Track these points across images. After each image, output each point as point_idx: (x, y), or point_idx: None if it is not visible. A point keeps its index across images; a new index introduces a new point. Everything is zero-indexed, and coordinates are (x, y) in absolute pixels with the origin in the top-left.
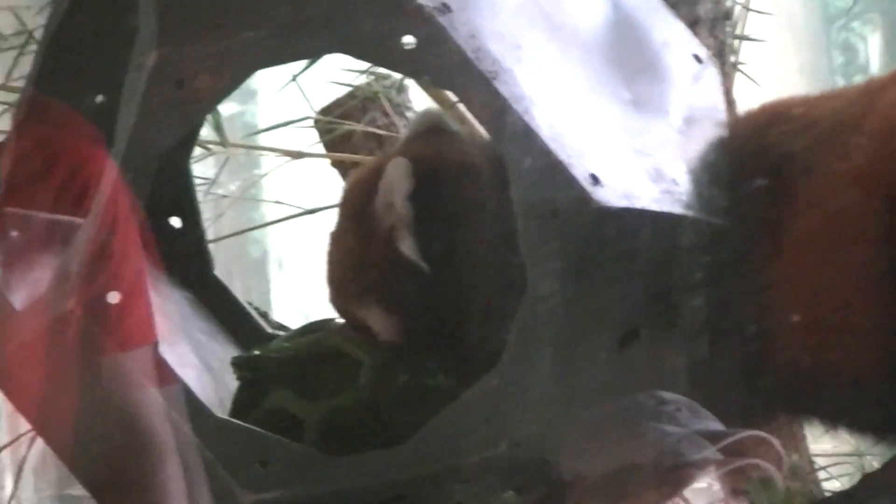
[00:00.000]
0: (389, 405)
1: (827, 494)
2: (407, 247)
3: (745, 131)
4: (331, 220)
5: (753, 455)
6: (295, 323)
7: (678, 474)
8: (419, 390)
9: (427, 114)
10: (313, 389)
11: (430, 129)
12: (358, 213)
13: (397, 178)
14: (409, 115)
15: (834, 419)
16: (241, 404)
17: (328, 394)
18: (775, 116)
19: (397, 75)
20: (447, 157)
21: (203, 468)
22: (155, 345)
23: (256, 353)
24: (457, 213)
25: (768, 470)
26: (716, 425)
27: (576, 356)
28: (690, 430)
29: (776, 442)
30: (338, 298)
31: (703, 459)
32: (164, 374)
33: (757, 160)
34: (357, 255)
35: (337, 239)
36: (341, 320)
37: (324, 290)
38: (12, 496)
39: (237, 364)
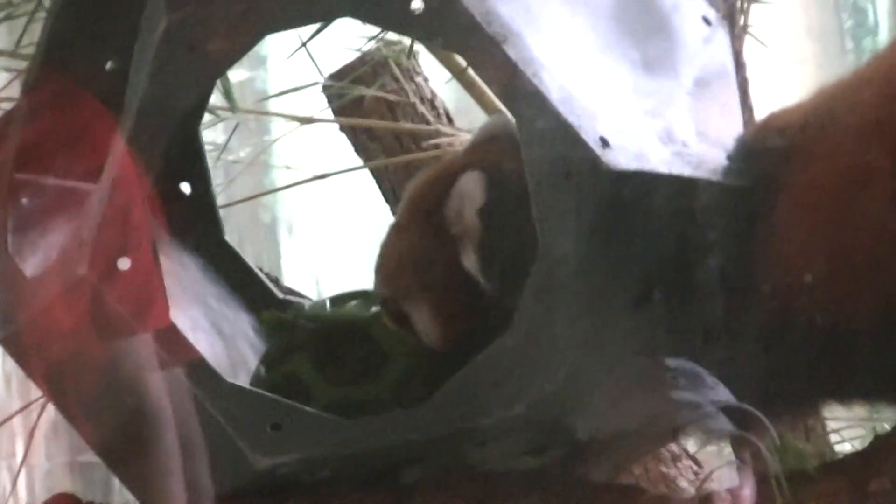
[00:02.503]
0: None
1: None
2: (470, 262)
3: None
4: (342, 186)
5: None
6: (305, 288)
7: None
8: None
9: (499, 120)
10: (334, 369)
11: (503, 136)
12: (427, 212)
13: (471, 189)
14: (418, 80)
15: (851, 385)
16: (272, 359)
17: (346, 379)
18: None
19: (407, 40)
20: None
21: (203, 441)
22: (169, 321)
23: (287, 316)
24: (526, 236)
25: (766, 437)
26: (721, 393)
27: (590, 317)
28: (707, 398)
29: (765, 420)
30: (386, 288)
31: (719, 430)
32: (178, 345)
33: (771, 120)
34: (420, 253)
35: (400, 230)
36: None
37: (333, 255)
38: (23, 462)
39: (269, 322)
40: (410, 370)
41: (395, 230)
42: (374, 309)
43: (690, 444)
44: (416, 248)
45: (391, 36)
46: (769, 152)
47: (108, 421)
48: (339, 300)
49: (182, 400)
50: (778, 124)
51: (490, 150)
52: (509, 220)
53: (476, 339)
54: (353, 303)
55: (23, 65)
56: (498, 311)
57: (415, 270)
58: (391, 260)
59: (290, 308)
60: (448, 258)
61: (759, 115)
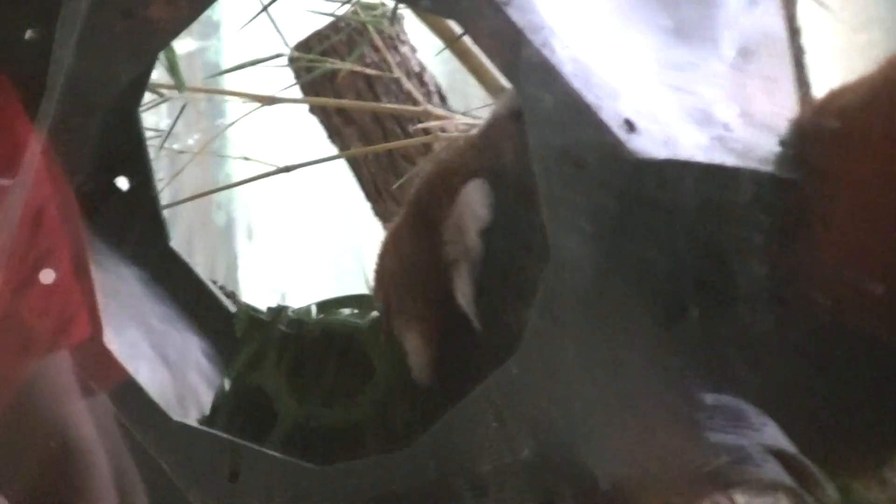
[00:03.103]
0: (378, 438)
1: None
2: (463, 295)
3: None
4: (311, 180)
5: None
6: (267, 303)
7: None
8: (417, 429)
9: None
10: (309, 383)
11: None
12: (425, 221)
13: (474, 205)
14: (403, 50)
15: None
16: (240, 370)
17: (322, 395)
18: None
19: (390, 2)
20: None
21: (142, 487)
22: (98, 337)
23: (264, 316)
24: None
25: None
26: (769, 435)
27: (610, 337)
28: (756, 442)
29: (811, 467)
30: (381, 299)
31: (772, 481)
32: (109, 370)
33: (833, 99)
34: (410, 269)
35: (397, 233)
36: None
37: (302, 265)
38: None
39: (243, 323)
40: (396, 391)
41: (393, 230)
42: (372, 315)
43: (739, 497)
44: (406, 262)
45: None
46: (825, 136)
47: (19, 467)
48: (326, 305)
49: (116, 441)
50: (840, 104)
51: (507, 139)
52: (515, 242)
53: (468, 374)
54: (346, 311)
55: None
56: (489, 343)
57: (404, 288)
58: (384, 268)
59: (269, 311)
60: (438, 284)
61: (818, 90)
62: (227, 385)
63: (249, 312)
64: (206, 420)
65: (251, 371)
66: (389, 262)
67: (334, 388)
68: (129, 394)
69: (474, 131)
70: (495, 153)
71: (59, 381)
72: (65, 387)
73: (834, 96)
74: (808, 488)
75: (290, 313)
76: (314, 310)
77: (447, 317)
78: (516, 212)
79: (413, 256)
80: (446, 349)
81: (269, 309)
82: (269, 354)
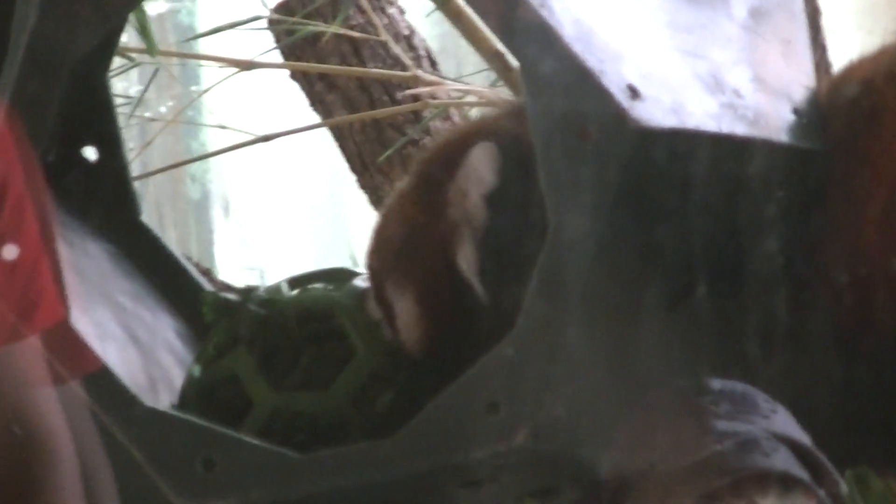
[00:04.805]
0: (361, 423)
1: None
2: (465, 260)
3: None
4: (292, 150)
5: None
6: (244, 282)
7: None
8: (402, 416)
9: None
10: (284, 367)
11: None
12: (430, 184)
13: (479, 168)
14: (391, 11)
15: None
16: (210, 356)
17: (298, 380)
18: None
19: None
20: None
21: (111, 476)
22: (67, 323)
23: (234, 299)
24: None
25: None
26: (779, 423)
27: (613, 318)
28: (765, 429)
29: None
30: (375, 262)
31: (783, 473)
32: (79, 356)
33: (854, 69)
34: (410, 235)
35: (402, 196)
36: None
37: (282, 241)
38: None
39: (212, 306)
40: (377, 374)
41: (398, 192)
42: (348, 290)
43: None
44: (408, 224)
45: None
46: (849, 107)
47: None
48: (299, 282)
49: (83, 427)
50: (862, 74)
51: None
52: (523, 212)
53: (465, 348)
54: (317, 286)
55: None
56: (495, 317)
57: (402, 250)
58: (385, 229)
59: (238, 291)
60: (442, 246)
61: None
62: (196, 372)
63: (216, 295)
64: (178, 407)
65: (222, 356)
66: (389, 221)
67: (311, 371)
68: (96, 377)
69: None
70: (508, 121)
71: (21, 367)
72: (28, 373)
73: (856, 67)
74: (821, 482)
75: (260, 292)
76: (285, 287)
77: (448, 293)
78: (535, 183)
79: (416, 219)
80: (446, 330)
81: (239, 289)
82: (241, 338)
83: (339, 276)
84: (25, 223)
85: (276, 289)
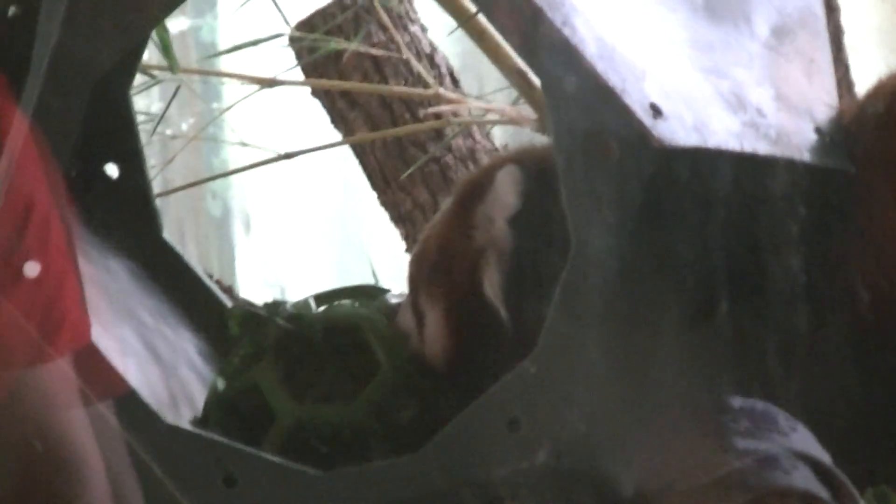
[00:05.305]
0: (384, 437)
1: None
2: (491, 285)
3: None
4: (313, 168)
5: None
6: (265, 298)
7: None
8: (425, 430)
9: None
10: (307, 380)
11: None
12: (462, 208)
13: (504, 192)
14: (413, 29)
15: None
16: (234, 369)
17: (321, 393)
18: None
19: None
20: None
21: (140, 498)
22: (94, 346)
23: (260, 311)
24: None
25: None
26: (798, 440)
27: (635, 335)
28: (785, 447)
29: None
30: (414, 270)
31: (806, 492)
32: (106, 379)
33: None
34: (444, 254)
35: (441, 217)
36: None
37: (302, 258)
38: None
39: (238, 319)
40: (400, 389)
41: (441, 212)
42: (377, 305)
43: None
44: (443, 243)
45: None
46: (874, 126)
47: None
48: (325, 298)
49: (113, 447)
50: (887, 93)
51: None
52: (547, 235)
53: (487, 367)
54: (345, 302)
55: None
56: (518, 339)
57: (436, 266)
58: (427, 240)
59: (265, 306)
60: (470, 269)
61: (857, 72)
62: (220, 385)
63: (245, 308)
64: (199, 422)
65: (246, 370)
66: (431, 239)
67: (335, 385)
68: (119, 396)
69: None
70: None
71: (49, 389)
72: (57, 396)
73: (882, 84)
74: (840, 501)
75: (288, 307)
76: (312, 303)
77: (474, 315)
78: (559, 206)
79: (449, 239)
80: (469, 348)
81: (266, 304)
82: (266, 352)
83: (364, 293)
84: (51, 241)
85: (304, 304)
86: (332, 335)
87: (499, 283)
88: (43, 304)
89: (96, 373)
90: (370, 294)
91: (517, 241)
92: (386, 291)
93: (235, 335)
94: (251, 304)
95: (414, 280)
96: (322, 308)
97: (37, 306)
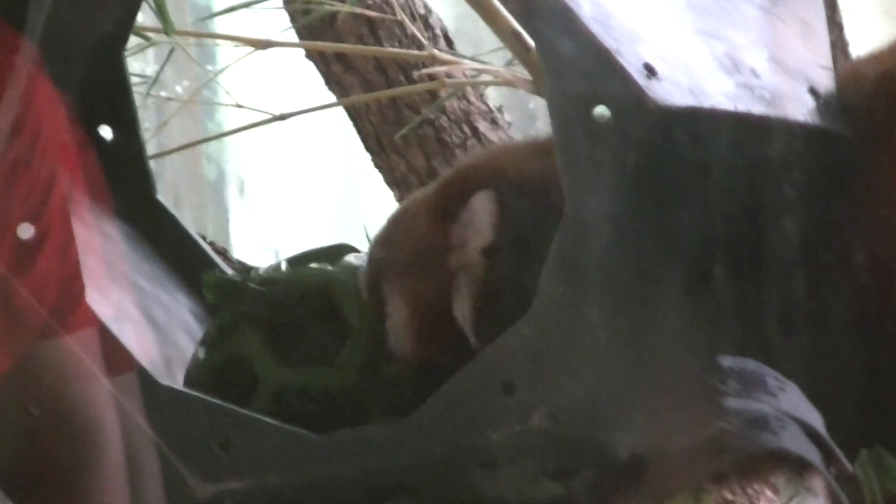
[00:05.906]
0: (376, 397)
1: None
2: (462, 310)
3: None
4: (308, 130)
5: None
6: (261, 262)
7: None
8: (410, 386)
9: None
10: (288, 343)
11: None
12: (443, 210)
13: (478, 220)
14: None
15: None
16: (215, 337)
17: (302, 356)
18: None
19: None
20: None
21: (157, 464)
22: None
23: (235, 279)
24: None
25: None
26: (787, 401)
27: (631, 300)
28: (781, 410)
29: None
30: (379, 253)
31: (800, 457)
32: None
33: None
34: (416, 255)
35: (422, 204)
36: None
37: (297, 221)
38: None
39: (213, 287)
40: (379, 351)
41: (420, 196)
42: (343, 266)
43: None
44: (416, 242)
45: None
46: (874, 92)
47: (15, 447)
48: (299, 261)
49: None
50: (887, 59)
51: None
52: (523, 265)
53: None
54: (313, 265)
55: None
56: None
57: (407, 266)
58: (397, 224)
59: (238, 271)
60: (442, 286)
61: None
62: (201, 354)
63: (216, 276)
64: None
65: (227, 338)
66: (403, 221)
67: (315, 349)
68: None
69: (534, 138)
70: (518, 160)
71: (67, 361)
72: (77, 367)
73: (883, 51)
74: (829, 463)
75: (260, 271)
76: (285, 266)
77: (441, 329)
78: (537, 232)
79: (422, 241)
80: (437, 354)
81: (238, 270)
82: (244, 318)
83: (339, 253)
84: (58, 207)
85: (276, 267)
86: (308, 299)
87: (469, 308)
88: (62, 276)
89: (106, 352)
90: (343, 253)
91: (490, 272)
92: (356, 251)
93: (212, 304)
94: (244, 267)
95: (376, 263)
96: (293, 271)
97: (56, 279)
